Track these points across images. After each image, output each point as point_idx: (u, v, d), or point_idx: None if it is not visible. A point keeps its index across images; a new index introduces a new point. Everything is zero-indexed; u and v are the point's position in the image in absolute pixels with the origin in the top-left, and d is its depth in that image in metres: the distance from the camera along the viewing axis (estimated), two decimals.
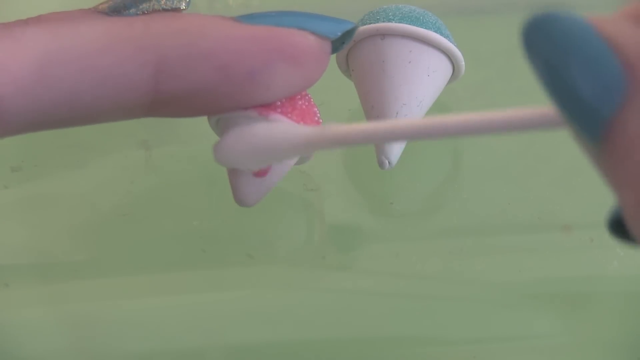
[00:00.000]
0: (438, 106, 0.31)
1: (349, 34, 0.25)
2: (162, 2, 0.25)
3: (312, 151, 0.22)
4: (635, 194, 0.16)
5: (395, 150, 0.29)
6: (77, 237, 0.31)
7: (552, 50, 0.16)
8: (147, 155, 0.33)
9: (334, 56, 0.26)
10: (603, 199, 0.31)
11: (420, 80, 0.29)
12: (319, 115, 0.26)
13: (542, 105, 0.18)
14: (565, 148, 0.29)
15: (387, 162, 0.29)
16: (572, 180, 0.31)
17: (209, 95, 0.24)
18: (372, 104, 0.29)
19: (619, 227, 0.17)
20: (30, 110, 0.22)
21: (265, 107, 0.25)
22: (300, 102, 0.25)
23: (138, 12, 0.25)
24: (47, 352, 0.28)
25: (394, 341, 0.28)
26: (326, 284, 0.29)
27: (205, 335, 0.28)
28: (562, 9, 0.17)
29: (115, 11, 0.25)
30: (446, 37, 0.30)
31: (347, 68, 0.31)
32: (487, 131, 0.19)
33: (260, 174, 0.25)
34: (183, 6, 0.26)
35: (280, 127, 0.22)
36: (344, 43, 0.26)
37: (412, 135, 0.20)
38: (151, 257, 0.30)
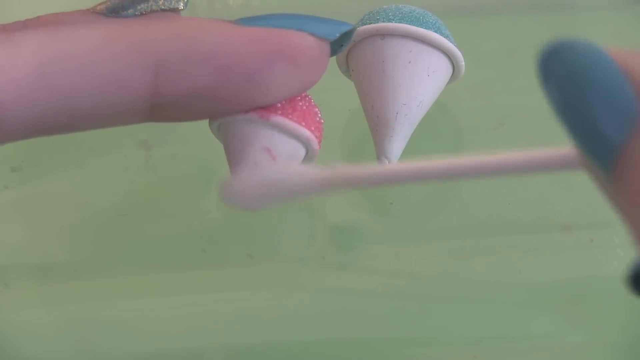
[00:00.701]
0: (438, 106, 0.31)
1: (347, 35, 0.25)
2: (160, 3, 0.25)
3: (324, 193, 0.22)
4: None
5: (395, 150, 0.29)
6: (77, 237, 0.31)
7: (567, 77, 0.16)
8: (147, 155, 0.33)
9: (333, 56, 0.26)
10: (603, 199, 0.31)
11: (420, 80, 0.29)
12: (320, 115, 0.26)
13: (554, 146, 0.18)
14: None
15: (387, 162, 0.29)
16: (572, 180, 0.31)
17: (208, 98, 0.24)
18: (372, 104, 0.29)
19: (638, 280, 0.17)
20: (30, 116, 0.22)
21: (266, 109, 0.25)
22: (300, 104, 0.25)
23: (136, 13, 0.25)
24: (47, 352, 0.28)
25: (394, 341, 0.28)
26: (326, 284, 0.29)
27: (205, 335, 0.28)
28: (579, 38, 0.17)
29: (113, 12, 0.25)
30: (446, 37, 0.30)
31: (347, 68, 0.31)
32: (503, 173, 0.19)
33: None
34: (181, 6, 0.26)
35: (292, 172, 0.22)
36: (342, 45, 0.26)
37: (425, 177, 0.20)
38: (151, 257, 0.30)
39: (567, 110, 0.16)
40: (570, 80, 0.16)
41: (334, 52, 0.25)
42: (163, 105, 0.23)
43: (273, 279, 0.30)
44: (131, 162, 0.33)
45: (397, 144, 0.29)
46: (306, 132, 0.25)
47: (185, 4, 0.26)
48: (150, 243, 0.31)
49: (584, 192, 0.31)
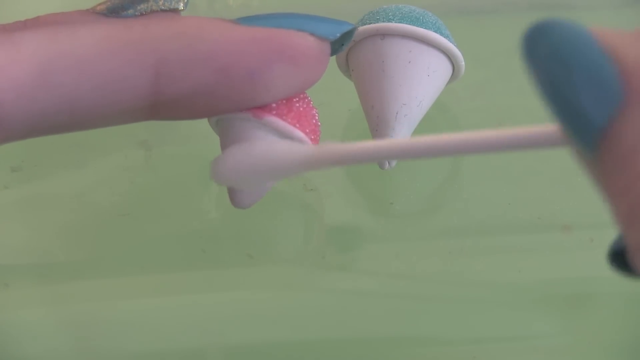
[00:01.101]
0: (438, 106, 0.31)
1: (348, 35, 0.25)
2: (160, 3, 0.25)
3: (311, 170, 0.22)
4: (628, 203, 0.16)
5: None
6: (77, 237, 0.31)
7: (550, 57, 0.16)
8: (147, 155, 0.33)
9: (333, 56, 0.26)
10: (603, 200, 0.31)
11: (420, 80, 0.29)
12: (317, 117, 0.26)
13: (541, 123, 0.18)
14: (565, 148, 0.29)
15: (387, 162, 0.29)
16: (572, 180, 0.31)
17: (208, 97, 0.24)
18: (372, 104, 0.29)
19: (619, 259, 0.17)
20: (31, 116, 0.22)
21: (260, 109, 0.25)
22: (297, 104, 0.25)
23: (136, 13, 0.25)
24: (47, 352, 0.28)
25: (394, 341, 0.28)
26: (326, 284, 0.29)
27: (205, 335, 0.28)
28: (563, 18, 0.17)
29: (113, 12, 0.25)
30: (446, 37, 0.30)
31: (347, 68, 0.31)
32: (485, 150, 0.19)
33: None
34: (181, 6, 0.26)
35: (281, 147, 0.22)
36: (343, 45, 0.26)
37: (410, 153, 0.20)
38: (151, 257, 0.30)
39: (550, 91, 0.16)
40: (553, 61, 0.16)
41: (334, 52, 0.25)
42: (163, 104, 0.23)
43: (273, 279, 0.30)
44: (131, 162, 0.33)
45: None
46: (300, 134, 0.25)
47: (185, 5, 0.26)
48: (150, 243, 0.31)
49: (584, 192, 0.31)
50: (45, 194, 0.32)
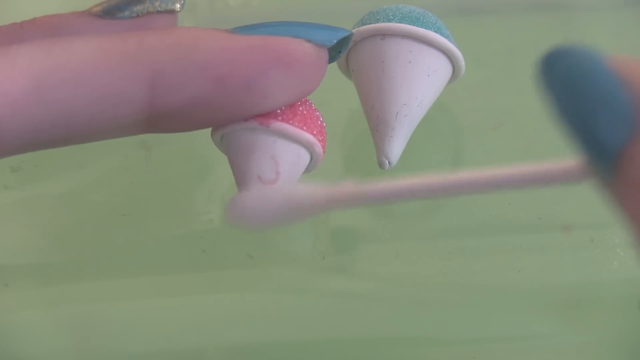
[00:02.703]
0: (438, 106, 0.31)
1: (345, 41, 0.25)
2: (157, 4, 0.25)
3: (331, 210, 0.22)
4: None
5: (395, 150, 0.29)
6: (77, 237, 0.31)
7: (565, 83, 0.17)
8: (147, 155, 0.33)
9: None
10: (603, 199, 0.31)
11: (420, 80, 0.29)
12: (321, 119, 0.26)
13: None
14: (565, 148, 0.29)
15: (387, 162, 0.29)
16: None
17: (206, 108, 0.23)
18: (372, 104, 0.29)
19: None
20: (27, 131, 0.22)
21: (266, 116, 0.25)
22: (301, 108, 0.25)
23: (132, 15, 0.25)
24: (47, 352, 0.28)
25: (394, 341, 0.28)
26: (326, 284, 0.29)
27: (205, 335, 0.28)
28: (579, 45, 0.17)
29: (108, 14, 0.25)
30: (446, 37, 0.30)
31: (347, 68, 0.31)
32: (511, 188, 0.19)
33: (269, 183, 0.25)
34: (177, 7, 0.26)
35: (298, 190, 0.22)
36: (340, 52, 0.26)
37: (434, 193, 0.20)
38: (151, 257, 0.30)
39: (566, 116, 0.17)
40: (568, 87, 0.17)
41: (332, 59, 0.25)
42: (160, 116, 0.23)
43: (273, 280, 0.30)
44: (131, 162, 0.33)
45: (397, 144, 0.29)
46: (308, 136, 0.25)
47: (182, 6, 0.26)
48: (150, 243, 0.31)
49: (584, 192, 0.31)
50: (45, 194, 0.32)
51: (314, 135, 0.26)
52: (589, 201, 0.30)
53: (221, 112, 0.24)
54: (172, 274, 0.30)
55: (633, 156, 0.16)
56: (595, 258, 0.29)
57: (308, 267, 0.30)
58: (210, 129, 0.26)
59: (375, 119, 0.29)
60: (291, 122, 0.25)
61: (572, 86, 0.17)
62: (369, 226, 0.31)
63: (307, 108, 0.26)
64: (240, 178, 0.25)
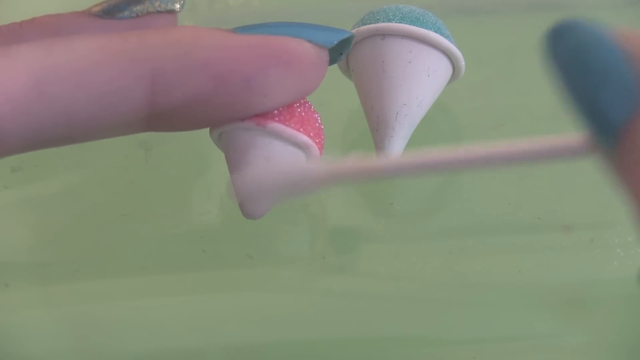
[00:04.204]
0: (438, 106, 0.31)
1: (345, 42, 0.25)
2: (156, 5, 0.25)
3: (332, 186, 0.22)
4: None
5: (396, 150, 0.29)
6: (77, 237, 0.31)
7: (570, 56, 0.17)
8: (147, 155, 0.33)
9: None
10: (603, 199, 0.31)
11: (420, 80, 0.29)
12: (320, 121, 0.26)
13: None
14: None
15: None
16: (572, 180, 0.31)
17: (206, 106, 0.23)
18: (372, 104, 0.29)
19: None
20: (28, 130, 0.22)
21: (263, 116, 0.25)
22: (299, 110, 0.25)
23: (132, 15, 0.25)
24: (47, 352, 0.28)
25: (394, 341, 0.28)
26: (326, 284, 0.29)
27: (205, 335, 0.28)
28: (584, 18, 0.17)
29: (108, 14, 0.25)
30: (446, 37, 0.30)
31: (347, 68, 0.31)
32: (511, 163, 0.19)
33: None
34: (177, 8, 0.26)
35: (299, 165, 0.22)
36: (342, 54, 0.26)
37: (434, 168, 0.20)
38: (151, 257, 0.30)
39: (570, 89, 0.17)
40: (573, 60, 0.17)
41: (333, 61, 0.25)
42: (161, 115, 0.23)
43: (273, 279, 0.30)
44: (131, 162, 0.33)
45: (397, 144, 0.29)
46: (304, 138, 0.25)
47: (182, 6, 0.26)
48: (150, 243, 0.31)
49: (584, 192, 0.31)
50: (45, 194, 0.32)
51: (310, 137, 0.25)
52: (589, 201, 0.31)
53: (221, 111, 0.24)
54: (172, 273, 0.30)
55: (636, 130, 0.16)
56: (595, 258, 0.29)
57: (308, 267, 0.30)
58: (209, 128, 0.26)
59: (375, 119, 0.29)
60: (288, 123, 0.25)
61: (576, 60, 0.17)
62: (369, 226, 0.31)
63: (306, 110, 0.26)
64: (235, 177, 0.25)
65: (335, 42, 0.25)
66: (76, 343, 0.28)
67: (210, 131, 0.26)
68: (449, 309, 0.28)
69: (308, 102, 0.26)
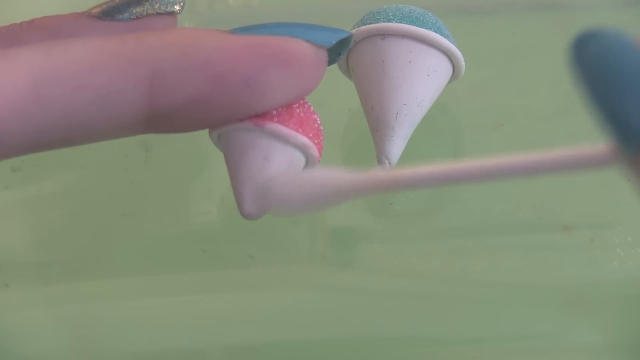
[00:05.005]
0: (438, 106, 0.31)
1: (344, 42, 0.25)
2: (156, 6, 0.25)
3: (357, 198, 0.21)
4: None
5: (396, 150, 0.29)
6: (77, 237, 0.31)
7: (596, 63, 0.17)
8: (147, 155, 0.33)
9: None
10: (603, 199, 0.31)
11: (420, 80, 0.29)
12: (319, 122, 0.26)
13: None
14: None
15: (387, 162, 0.29)
16: (572, 180, 0.31)
17: (205, 107, 0.23)
18: (372, 104, 0.29)
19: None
20: (26, 133, 0.22)
21: (261, 117, 0.25)
22: (298, 111, 0.25)
23: (131, 17, 0.25)
24: (47, 352, 0.28)
25: (394, 341, 0.28)
26: (326, 284, 0.29)
27: (205, 335, 0.28)
28: (611, 27, 0.18)
29: (108, 15, 0.25)
30: (446, 37, 0.30)
31: (347, 68, 0.31)
32: (536, 173, 0.19)
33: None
34: (177, 9, 0.26)
35: (331, 177, 0.21)
36: (340, 54, 0.26)
37: (465, 179, 0.20)
38: (151, 257, 0.30)
39: (595, 95, 0.17)
40: (598, 67, 0.17)
41: (332, 61, 0.25)
42: (160, 116, 0.23)
43: (273, 279, 0.30)
44: (131, 162, 0.33)
45: (397, 144, 0.29)
46: (303, 139, 0.25)
47: (182, 7, 0.26)
48: (150, 243, 0.31)
49: (584, 192, 0.31)
50: (45, 194, 0.32)
51: (309, 138, 0.25)
52: (589, 201, 0.31)
53: (220, 112, 0.24)
54: (172, 273, 0.30)
55: None
56: (595, 258, 0.29)
57: (308, 267, 0.30)
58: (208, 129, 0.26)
59: (375, 119, 0.29)
60: (286, 124, 0.25)
61: (601, 67, 0.17)
62: (369, 226, 0.31)
63: (305, 110, 0.26)
64: (234, 178, 0.25)
65: (334, 42, 0.25)
66: (76, 343, 0.28)
67: (209, 132, 0.26)
68: (449, 309, 0.28)
69: (307, 102, 0.26)
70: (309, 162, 0.26)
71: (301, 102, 0.26)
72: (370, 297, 0.29)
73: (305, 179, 0.21)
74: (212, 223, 0.31)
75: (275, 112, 0.25)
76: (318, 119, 0.26)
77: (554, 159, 0.19)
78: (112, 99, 0.22)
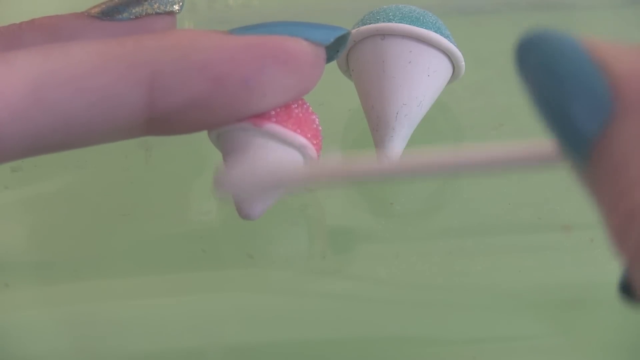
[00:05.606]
0: (438, 106, 0.31)
1: (342, 40, 0.25)
2: (155, 6, 0.25)
3: (317, 182, 0.22)
4: (619, 215, 0.16)
5: (396, 150, 0.29)
6: (77, 237, 0.31)
7: (541, 68, 0.16)
8: (147, 155, 0.33)
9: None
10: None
11: (420, 80, 0.29)
12: (317, 122, 0.26)
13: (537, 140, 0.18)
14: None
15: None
16: (572, 180, 0.31)
17: (205, 109, 0.23)
18: (372, 104, 0.29)
19: (627, 289, 0.17)
20: (26, 136, 0.22)
21: (259, 117, 0.25)
22: (296, 111, 0.25)
23: (131, 17, 0.25)
24: (47, 352, 0.28)
25: (394, 341, 0.28)
26: (326, 284, 0.29)
27: (205, 335, 0.28)
28: (555, 29, 0.17)
29: (107, 15, 0.25)
30: (446, 37, 0.30)
31: (347, 68, 0.31)
32: (483, 169, 0.19)
33: None
34: (176, 9, 0.26)
35: (283, 166, 0.22)
36: (338, 51, 0.26)
37: (422, 173, 0.20)
38: (151, 257, 0.30)
39: (542, 101, 0.16)
40: (544, 71, 0.16)
41: (330, 58, 0.25)
42: (160, 118, 0.23)
43: (273, 279, 0.30)
44: (131, 162, 0.33)
45: (397, 144, 0.29)
46: (301, 139, 0.25)
47: (181, 7, 0.26)
48: (150, 243, 0.31)
49: (584, 192, 0.31)
50: (45, 194, 0.32)
51: (307, 138, 0.25)
52: (589, 201, 0.30)
53: (220, 113, 0.24)
54: (172, 273, 0.30)
55: (608, 142, 0.16)
56: (595, 258, 0.29)
57: (308, 267, 0.30)
58: None
59: (375, 119, 0.29)
60: (285, 124, 0.25)
61: (547, 71, 0.16)
62: (369, 226, 0.31)
63: (303, 111, 0.26)
64: None
65: (332, 40, 0.25)
66: (76, 343, 0.28)
67: (208, 132, 0.26)
68: (449, 309, 0.28)
69: (306, 103, 0.26)
70: (306, 162, 0.26)
71: (300, 102, 0.26)
72: (369, 297, 0.29)
73: (261, 165, 0.21)
74: (212, 223, 0.31)
75: (273, 113, 0.25)
76: (317, 119, 0.26)
77: (504, 154, 0.18)
78: (111, 101, 0.22)
